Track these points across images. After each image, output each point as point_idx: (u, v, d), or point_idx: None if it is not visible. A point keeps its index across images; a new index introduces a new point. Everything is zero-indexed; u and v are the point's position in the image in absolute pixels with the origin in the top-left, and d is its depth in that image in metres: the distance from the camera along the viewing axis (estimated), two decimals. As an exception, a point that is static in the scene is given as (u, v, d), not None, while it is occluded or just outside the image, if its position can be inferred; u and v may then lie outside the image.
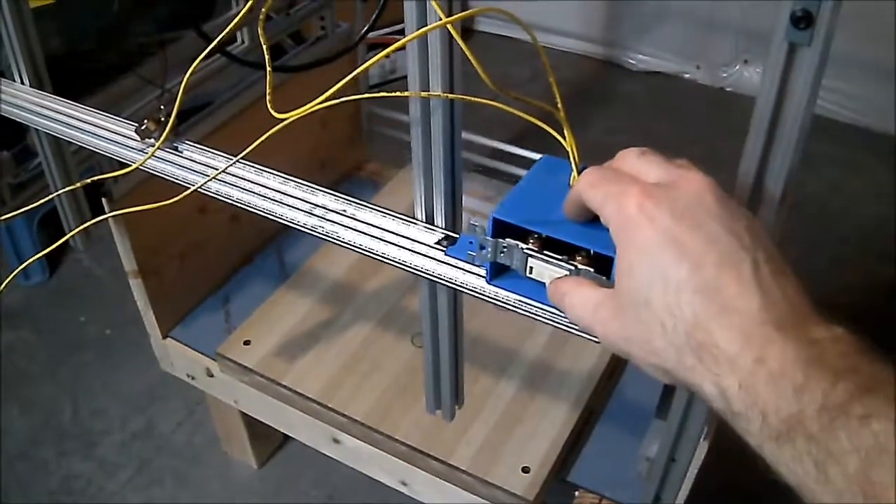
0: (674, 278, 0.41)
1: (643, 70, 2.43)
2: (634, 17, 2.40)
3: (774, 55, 0.47)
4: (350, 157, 1.52)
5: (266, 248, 1.36)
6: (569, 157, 0.55)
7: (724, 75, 2.33)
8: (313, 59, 1.08)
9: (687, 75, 2.39)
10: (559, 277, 0.52)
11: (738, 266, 0.41)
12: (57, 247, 1.60)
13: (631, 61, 2.45)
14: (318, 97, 0.58)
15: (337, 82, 0.55)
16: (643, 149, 0.48)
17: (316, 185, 0.71)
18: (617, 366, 1.12)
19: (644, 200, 0.43)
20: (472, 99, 0.57)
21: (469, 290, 0.62)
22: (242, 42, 1.29)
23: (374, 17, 0.72)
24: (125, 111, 1.12)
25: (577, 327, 0.55)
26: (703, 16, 2.27)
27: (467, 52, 0.53)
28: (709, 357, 0.40)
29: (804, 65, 0.47)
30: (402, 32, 0.55)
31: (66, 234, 1.03)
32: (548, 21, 2.38)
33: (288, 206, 0.70)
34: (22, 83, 0.92)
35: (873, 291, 1.68)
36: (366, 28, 0.73)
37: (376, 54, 0.54)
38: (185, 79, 0.64)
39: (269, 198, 0.70)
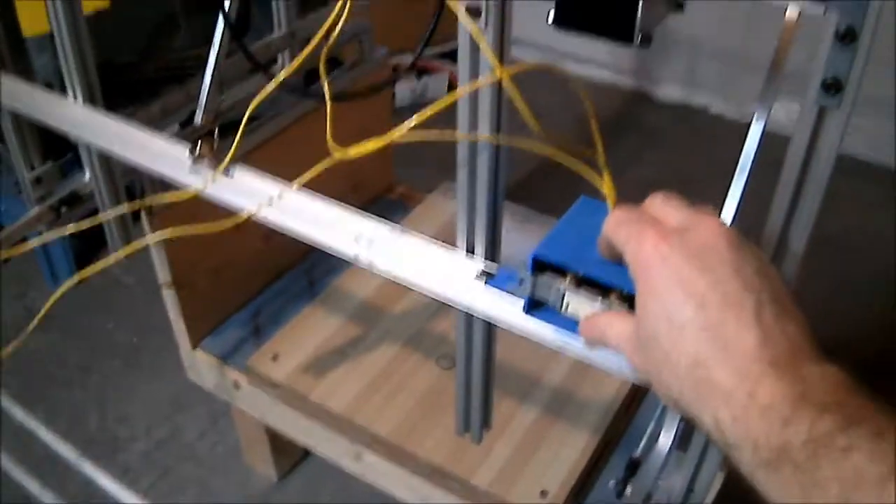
0: (679, 317, 0.45)
1: (670, 102, 2.45)
2: (663, 50, 2.41)
3: (805, 118, 0.51)
4: (380, 180, 1.55)
5: (296, 266, 1.39)
6: (605, 200, 0.58)
7: (752, 111, 2.34)
8: (352, 84, 1.10)
9: (714, 109, 2.40)
10: (593, 314, 0.55)
11: (741, 306, 0.44)
12: (89, 254, 1.63)
13: (658, 93, 2.47)
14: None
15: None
16: (668, 193, 0.52)
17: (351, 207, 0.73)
18: (635, 397, 1.14)
19: (659, 242, 0.47)
20: (520, 143, 0.59)
21: (507, 323, 0.64)
22: (282, 64, 1.32)
23: (422, 45, 0.74)
24: (169, 126, 1.15)
25: (598, 360, 0.58)
26: (732, 50, 2.28)
27: (523, 109, 0.54)
28: (707, 391, 0.43)
29: (832, 125, 0.51)
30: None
31: (102, 240, 1.07)
32: (577, 50, 2.40)
33: (333, 233, 0.72)
34: (74, 98, 0.93)
35: None
36: (415, 56, 0.76)
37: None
38: (249, 110, 0.67)
39: (315, 224, 0.73)
